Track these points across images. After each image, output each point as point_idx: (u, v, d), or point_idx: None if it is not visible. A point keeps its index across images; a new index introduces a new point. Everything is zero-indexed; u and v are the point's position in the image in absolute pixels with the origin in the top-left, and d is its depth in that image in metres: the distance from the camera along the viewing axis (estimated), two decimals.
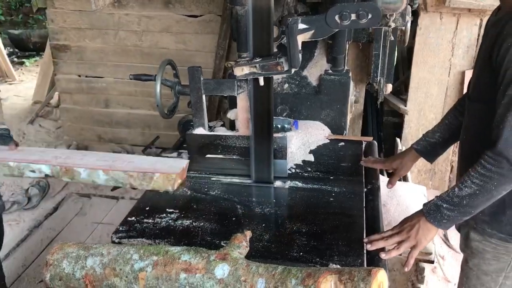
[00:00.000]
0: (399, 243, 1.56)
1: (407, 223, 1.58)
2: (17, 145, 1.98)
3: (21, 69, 7.44)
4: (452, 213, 1.49)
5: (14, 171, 1.87)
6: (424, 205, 1.56)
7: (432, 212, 1.52)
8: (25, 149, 2.04)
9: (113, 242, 1.63)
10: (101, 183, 1.82)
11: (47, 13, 4.15)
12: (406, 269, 1.58)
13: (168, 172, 1.72)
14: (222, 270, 1.32)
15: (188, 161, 1.84)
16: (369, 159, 2.10)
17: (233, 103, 2.17)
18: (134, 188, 1.81)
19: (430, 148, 1.93)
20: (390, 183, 2.10)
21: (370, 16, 1.60)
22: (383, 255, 1.54)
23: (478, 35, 3.21)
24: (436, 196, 1.55)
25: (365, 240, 1.58)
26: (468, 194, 1.45)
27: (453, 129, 1.90)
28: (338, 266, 1.43)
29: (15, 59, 7.69)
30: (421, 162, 3.60)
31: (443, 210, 1.49)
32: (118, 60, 4.15)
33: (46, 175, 1.86)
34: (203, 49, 3.94)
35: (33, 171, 1.86)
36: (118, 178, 1.77)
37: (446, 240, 3.25)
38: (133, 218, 1.75)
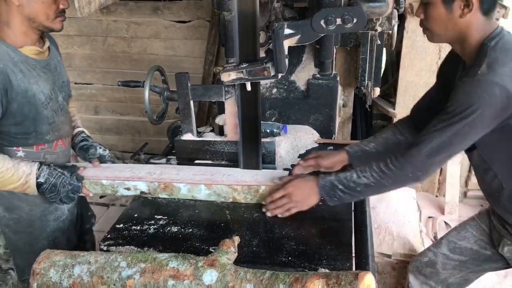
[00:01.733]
0: (284, 202, 1.70)
1: (298, 189, 1.69)
2: (100, 160, 2.00)
3: None
4: (343, 195, 1.63)
5: (107, 189, 1.87)
6: (322, 179, 1.66)
7: (327, 189, 1.64)
8: (112, 166, 2.00)
9: (101, 249, 1.62)
10: (201, 198, 1.82)
11: None
12: (279, 215, 1.73)
13: (273, 184, 1.75)
14: (210, 276, 1.32)
15: (288, 172, 1.85)
16: (301, 164, 1.96)
17: (222, 109, 2.17)
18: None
19: (361, 154, 1.94)
20: None
21: (355, 20, 1.62)
22: (268, 214, 1.73)
23: None
24: (335, 175, 1.66)
25: (263, 210, 1.75)
26: (364, 183, 1.60)
27: (389, 144, 1.95)
28: (327, 270, 1.43)
29: None
30: None
31: (336, 190, 1.63)
32: (107, 67, 4.15)
33: (142, 192, 1.85)
34: (192, 54, 3.95)
35: (128, 189, 1.85)
36: (221, 192, 1.78)
37: None
38: (121, 225, 1.74)
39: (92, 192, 1.90)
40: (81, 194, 1.90)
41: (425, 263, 2.12)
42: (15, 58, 1.68)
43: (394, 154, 1.60)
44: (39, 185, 1.77)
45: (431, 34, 1.68)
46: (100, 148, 2.06)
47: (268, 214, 1.73)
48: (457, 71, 1.71)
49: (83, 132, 2.12)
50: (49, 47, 1.87)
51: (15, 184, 1.74)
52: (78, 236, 2.14)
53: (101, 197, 2.19)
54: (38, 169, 1.77)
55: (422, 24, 1.69)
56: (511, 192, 1.72)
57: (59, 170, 1.80)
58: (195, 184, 1.78)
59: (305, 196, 1.69)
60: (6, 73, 1.64)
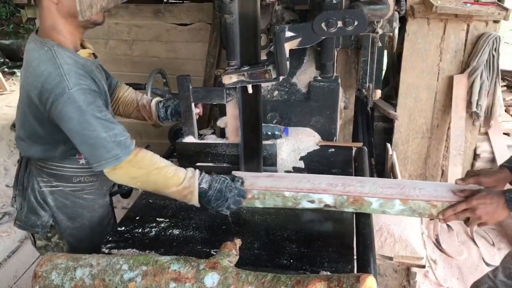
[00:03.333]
0: (466, 215, 1.57)
1: (484, 204, 1.55)
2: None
3: (12, 79, 7.40)
4: None
5: (289, 201, 1.70)
6: (509, 193, 1.54)
7: None
8: (286, 176, 1.85)
9: (103, 252, 1.62)
10: (393, 214, 1.67)
11: (36, 23, 4.14)
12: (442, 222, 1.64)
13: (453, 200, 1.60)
14: (211, 279, 1.32)
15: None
16: (464, 179, 1.75)
17: (223, 111, 2.17)
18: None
19: None
20: None
21: (356, 23, 1.62)
22: (441, 221, 1.62)
23: (466, 40, 3.24)
24: None
25: (440, 217, 1.60)
26: None
27: None
28: (328, 273, 1.43)
29: (6, 70, 7.64)
30: (412, 166, 3.63)
31: None
32: (109, 69, 4.05)
33: (326, 205, 1.68)
34: (194, 57, 3.95)
35: (312, 201, 1.68)
36: (418, 208, 1.62)
37: (438, 244, 3.26)
38: (123, 228, 1.75)
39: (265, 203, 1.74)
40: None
41: None
42: (79, 61, 1.64)
43: None
44: (203, 193, 1.63)
45: None
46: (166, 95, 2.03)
47: (442, 222, 1.64)
48: None
49: (159, 101, 2.09)
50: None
51: (177, 187, 1.62)
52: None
53: (125, 196, 2.14)
54: (200, 174, 1.66)
55: None
56: None
57: (220, 175, 1.68)
58: (389, 199, 1.64)
59: (491, 211, 1.55)
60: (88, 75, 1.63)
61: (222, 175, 1.68)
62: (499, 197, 1.54)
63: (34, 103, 1.61)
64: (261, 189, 1.70)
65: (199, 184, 1.62)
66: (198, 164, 2.07)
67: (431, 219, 3.44)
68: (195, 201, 1.64)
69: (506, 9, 3.07)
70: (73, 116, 1.53)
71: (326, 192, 1.67)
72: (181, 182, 1.61)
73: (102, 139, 1.54)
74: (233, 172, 1.81)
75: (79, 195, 1.86)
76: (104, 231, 1.92)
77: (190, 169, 1.67)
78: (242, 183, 1.70)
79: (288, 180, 1.74)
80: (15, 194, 1.90)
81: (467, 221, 1.59)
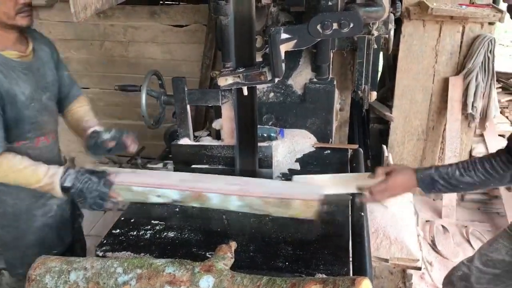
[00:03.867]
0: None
1: (396, 180, 1.66)
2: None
3: None
4: (443, 189, 1.64)
5: (138, 195, 1.79)
6: (420, 172, 1.64)
7: (426, 183, 1.63)
8: (140, 172, 1.97)
9: (97, 255, 1.61)
10: (233, 209, 1.75)
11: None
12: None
13: (307, 198, 1.64)
14: (206, 282, 1.31)
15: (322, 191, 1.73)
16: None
17: (219, 113, 2.17)
18: None
19: None
20: None
21: (351, 25, 1.62)
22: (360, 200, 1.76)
23: (461, 41, 3.25)
24: (434, 169, 1.64)
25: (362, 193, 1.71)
26: (467, 182, 1.59)
27: None
28: (324, 276, 1.43)
29: None
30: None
31: (437, 185, 1.62)
32: (104, 71, 4.14)
33: (174, 200, 1.78)
34: (189, 58, 3.94)
35: (159, 196, 1.78)
36: (253, 204, 1.70)
37: (434, 246, 3.26)
38: (117, 230, 1.74)
39: (122, 197, 1.83)
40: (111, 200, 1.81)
41: (459, 277, 2.09)
42: None
43: (499, 154, 1.57)
44: (66, 190, 1.73)
45: None
46: (105, 133, 1.99)
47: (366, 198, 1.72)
48: None
49: (95, 131, 2.04)
50: (33, 49, 1.87)
51: (39, 184, 1.72)
52: (71, 234, 2.14)
53: None
54: (65, 172, 1.74)
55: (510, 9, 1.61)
56: None
57: (86, 175, 1.75)
58: (227, 195, 1.72)
59: (402, 187, 1.67)
60: None
61: (89, 175, 1.75)
62: (410, 174, 1.66)
63: None
64: (118, 184, 1.78)
65: (63, 182, 1.72)
66: (193, 166, 2.06)
67: (426, 221, 3.45)
68: (58, 195, 1.75)
69: (501, 11, 3.08)
70: None
71: (173, 187, 1.76)
72: (41, 179, 1.71)
73: None
74: (109, 169, 1.87)
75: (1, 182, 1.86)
76: (33, 221, 1.94)
77: (54, 167, 1.74)
78: (106, 185, 1.75)
79: (143, 176, 1.85)
80: None
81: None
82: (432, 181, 1.63)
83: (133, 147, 1.98)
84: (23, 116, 1.78)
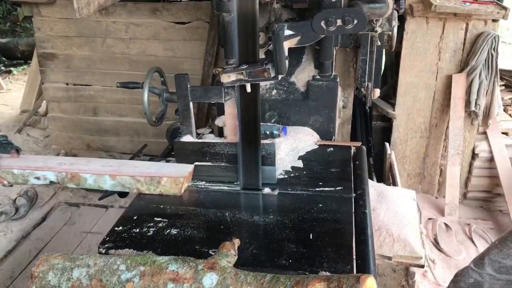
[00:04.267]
0: None
1: None
2: (18, 151, 1.98)
3: (9, 78, 7.37)
4: None
5: (18, 178, 1.88)
6: None
7: None
8: (28, 157, 2.03)
9: (100, 253, 1.61)
10: (107, 189, 1.84)
11: (33, 21, 4.12)
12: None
13: (175, 176, 1.73)
14: (210, 279, 1.31)
15: (193, 165, 1.85)
16: None
17: (221, 110, 2.16)
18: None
19: None
20: None
21: (355, 21, 1.61)
22: None
23: (464, 39, 3.23)
24: None
25: None
26: None
27: None
28: (328, 273, 1.42)
29: (3, 68, 7.61)
30: (410, 166, 3.62)
31: None
32: (106, 68, 4.13)
33: (51, 182, 1.86)
34: (192, 56, 3.93)
35: (38, 178, 1.86)
36: (125, 183, 1.78)
37: (436, 244, 3.26)
38: (120, 228, 1.73)
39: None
40: None
41: (471, 285, 2.07)
42: None
43: None
44: None
45: None
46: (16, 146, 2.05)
47: None
48: None
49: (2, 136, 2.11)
50: None
51: None
52: None
53: (101, 198, 2.18)
54: None
55: None
56: None
57: None
58: (100, 175, 1.80)
59: None
60: None
61: None
62: None
63: None
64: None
65: None
66: (196, 163, 2.05)
67: (429, 219, 3.44)
68: None
69: (505, 8, 3.07)
70: None
71: (50, 169, 1.83)
72: None
73: None
74: None
75: None
76: None
77: None
78: None
79: (24, 160, 1.94)
80: None
81: None
82: None
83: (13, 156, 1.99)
84: None
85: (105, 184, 1.80)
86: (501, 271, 1.99)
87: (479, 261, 2.10)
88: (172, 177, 1.73)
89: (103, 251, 1.61)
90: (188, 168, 1.80)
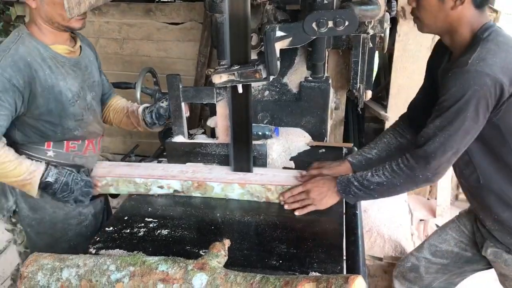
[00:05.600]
0: (302, 197, 1.76)
1: (317, 187, 1.74)
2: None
3: None
4: (359, 192, 1.68)
5: (140, 187, 1.86)
6: (340, 176, 1.75)
7: (343, 185, 1.71)
8: (140, 165, 2.02)
9: (90, 253, 1.60)
10: (234, 197, 1.83)
11: (25, 21, 4.10)
12: (297, 214, 1.77)
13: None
14: (200, 280, 1.31)
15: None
16: (309, 172, 1.96)
17: (213, 111, 2.16)
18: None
19: (364, 163, 1.96)
20: None
21: (347, 23, 1.61)
22: (286, 207, 1.79)
23: None
24: (352, 173, 1.75)
25: (281, 198, 1.81)
26: (377, 182, 1.65)
27: (391, 148, 1.97)
28: (318, 274, 1.42)
29: None
30: None
31: (352, 187, 1.69)
32: None
33: (175, 191, 1.85)
34: (185, 56, 3.93)
35: (161, 187, 1.85)
36: (255, 192, 1.79)
37: None
38: (111, 228, 1.73)
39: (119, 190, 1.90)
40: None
41: (408, 268, 2.12)
42: (44, 54, 1.71)
43: (405, 154, 1.62)
44: (48, 185, 1.75)
45: (421, 24, 1.68)
46: (160, 103, 2.06)
47: (286, 207, 1.79)
48: (442, 63, 1.72)
49: (145, 107, 2.12)
50: (80, 47, 1.90)
51: (16, 179, 1.72)
52: None
53: (114, 196, 2.18)
54: (46, 169, 1.75)
55: (413, 13, 1.68)
56: (488, 190, 1.72)
57: (67, 168, 1.80)
58: (229, 184, 1.79)
59: (323, 195, 1.73)
60: (33, 67, 1.67)
61: (70, 168, 1.80)
62: (331, 182, 1.75)
63: None
64: (115, 177, 1.87)
65: (45, 178, 1.73)
66: (188, 164, 2.05)
67: (420, 220, 3.45)
68: (33, 193, 1.75)
69: (496, 11, 3.09)
70: None
71: (174, 178, 1.83)
72: (21, 175, 1.71)
73: None
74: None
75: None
76: (68, 230, 1.94)
77: (36, 164, 1.75)
78: (87, 173, 1.85)
79: (141, 168, 1.93)
80: None
81: (304, 208, 1.76)
82: (348, 183, 1.70)
83: (186, 110, 2.02)
84: (68, 113, 1.79)
85: (232, 193, 1.81)
86: (436, 254, 2.05)
87: (419, 246, 2.17)
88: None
89: (93, 251, 1.61)
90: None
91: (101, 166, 1.98)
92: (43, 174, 1.74)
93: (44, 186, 1.75)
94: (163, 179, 1.84)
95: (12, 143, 1.79)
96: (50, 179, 1.74)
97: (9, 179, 1.73)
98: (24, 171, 1.71)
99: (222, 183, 1.80)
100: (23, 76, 1.65)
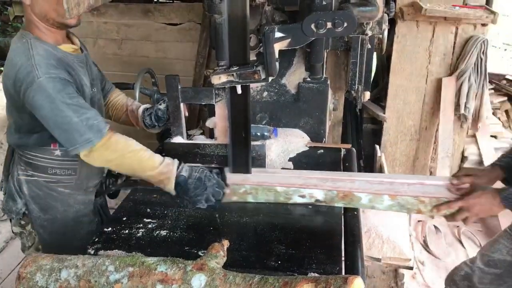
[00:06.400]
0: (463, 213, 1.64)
1: (479, 204, 1.62)
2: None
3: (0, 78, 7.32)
4: None
5: (280, 196, 1.75)
6: (504, 191, 1.61)
7: (511, 201, 1.58)
8: (276, 171, 1.92)
9: (88, 253, 1.60)
10: (382, 209, 1.71)
11: (24, 21, 4.09)
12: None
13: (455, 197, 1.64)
14: (199, 280, 1.31)
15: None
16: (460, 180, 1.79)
17: (212, 112, 2.16)
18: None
19: None
20: None
21: (345, 24, 1.61)
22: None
23: (454, 42, 3.26)
24: None
25: (435, 211, 1.66)
26: None
27: None
28: (316, 274, 1.43)
29: None
30: (400, 168, 3.64)
31: None
32: None
33: (317, 200, 1.72)
34: (183, 57, 3.93)
35: (303, 196, 1.73)
36: (406, 203, 1.66)
37: (425, 246, 3.28)
38: (109, 228, 1.73)
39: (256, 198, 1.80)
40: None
41: (462, 277, 2.13)
42: (57, 55, 1.71)
43: None
44: (182, 181, 1.68)
45: None
46: (158, 105, 2.05)
47: (447, 220, 1.70)
48: None
49: (145, 108, 2.12)
50: (80, 44, 1.92)
51: (153, 172, 1.67)
52: None
53: (112, 196, 2.17)
54: (179, 164, 1.72)
55: None
56: None
57: (199, 166, 1.75)
58: (378, 195, 1.67)
59: (485, 212, 1.64)
60: (64, 62, 1.68)
61: (201, 166, 1.73)
62: (494, 196, 1.60)
63: (10, 93, 1.68)
64: (254, 184, 1.75)
65: (179, 172, 1.68)
66: (186, 164, 2.05)
67: (418, 221, 3.46)
68: (170, 186, 1.68)
69: (494, 13, 3.10)
70: (44, 103, 1.59)
71: (316, 187, 1.70)
72: (157, 166, 1.67)
73: (75, 124, 1.60)
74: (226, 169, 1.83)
75: (53, 187, 1.87)
76: (80, 228, 1.94)
77: (169, 158, 1.73)
78: (219, 174, 1.76)
79: (280, 176, 1.79)
80: (1, 179, 1.98)
81: (463, 219, 1.65)
82: None
83: (185, 110, 2.00)
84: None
85: (381, 204, 1.68)
86: (490, 264, 2.04)
87: (473, 257, 2.17)
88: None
89: (92, 252, 1.61)
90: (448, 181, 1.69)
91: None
92: (177, 168, 1.70)
93: (177, 183, 1.68)
94: (305, 188, 1.72)
95: (23, 145, 1.80)
96: (184, 173, 1.69)
97: (145, 173, 1.68)
98: (160, 162, 1.68)
99: (371, 194, 1.67)
100: (64, 71, 1.66)
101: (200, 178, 1.69)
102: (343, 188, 1.69)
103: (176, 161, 1.71)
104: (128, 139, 1.71)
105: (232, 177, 1.80)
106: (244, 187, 1.77)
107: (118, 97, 2.16)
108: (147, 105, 2.09)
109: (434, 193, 1.65)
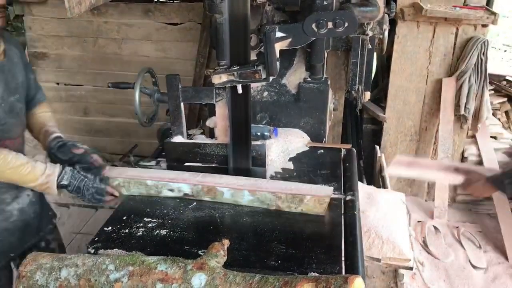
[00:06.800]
0: None
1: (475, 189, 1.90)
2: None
3: None
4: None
5: (151, 189, 1.88)
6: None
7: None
8: (157, 170, 2.06)
9: (88, 252, 1.60)
10: (245, 204, 1.81)
11: (24, 20, 4.10)
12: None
13: (319, 195, 1.71)
14: (199, 279, 1.31)
15: (332, 187, 1.83)
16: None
17: (212, 111, 2.16)
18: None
19: None
20: None
21: (346, 24, 1.62)
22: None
23: (454, 43, 3.27)
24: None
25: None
26: None
27: None
28: (316, 274, 1.43)
29: None
30: None
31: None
32: (97, 68, 4.12)
33: (185, 194, 1.86)
34: (184, 57, 3.93)
35: (172, 190, 1.86)
36: (265, 199, 1.77)
37: (425, 246, 3.28)
38: (109, 228, 1.73)
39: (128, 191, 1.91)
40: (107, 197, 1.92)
41: None
42: None
43: None
44: (63, 187, 1.83)
45: None
46: (82, 144, 2.03)
47: None
48: None
49: (60, 136, 2.07)
50: (5, 50, 1.86)
51: (34, 184, 1.79)
52: (39, 235, 2.14)
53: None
54: (61, 171, 1.82)
55: None
56: None
57: (82, 173, 1.85)
58: (239, 190, 1.78)
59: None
60: None
61: (84, 173, 1.86)
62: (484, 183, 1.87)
63: None
64: (126, 178, 1.89)
65: (60, 181, 1.81)
66: (187, 164, 2.05)
67: (418, 221, 3.46)
68: (53, 193, 1.84)
69: (494, 14, 3.10)
70: None
71: (184, 181, 1.84)
72: (38, 178, 1.78)
73: None
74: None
75: None
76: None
77: (51, 166, 1.82)
78: (102, 181, 1.88)
79: (153, 171, 1.98)
80: None
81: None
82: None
83: (97, 163, 1.98)
84: None
85: (242, 199, 1.79)
86: None
87: None
88: (317, 196, 1.71)
89: (92, 251, 1.60)
90: (329, 189, 1.78)
91: (116, 168, 2.02)
92: (58, 177, 1.81)
93: (61, 187, 1.83)
94: (174, 182, 1.85)
95: None
96: (64, 182, 1.82)
97: (27, 185, 1.81)
98: (40, 174, 1.78)
99: (232, 189, 1.79)
100: None
101: (79, 187, 1.83)
102: (208, 183, 1.82)
103: (57, 170, 1.81)
104: (8, 155, 1.74)
105: (110, 173, 1.93)
106: (118, 180, 1.89)
107: (42, 114, 2.15)
108: (59, 134, 2.07)
109: (293, 190, 1.75)
